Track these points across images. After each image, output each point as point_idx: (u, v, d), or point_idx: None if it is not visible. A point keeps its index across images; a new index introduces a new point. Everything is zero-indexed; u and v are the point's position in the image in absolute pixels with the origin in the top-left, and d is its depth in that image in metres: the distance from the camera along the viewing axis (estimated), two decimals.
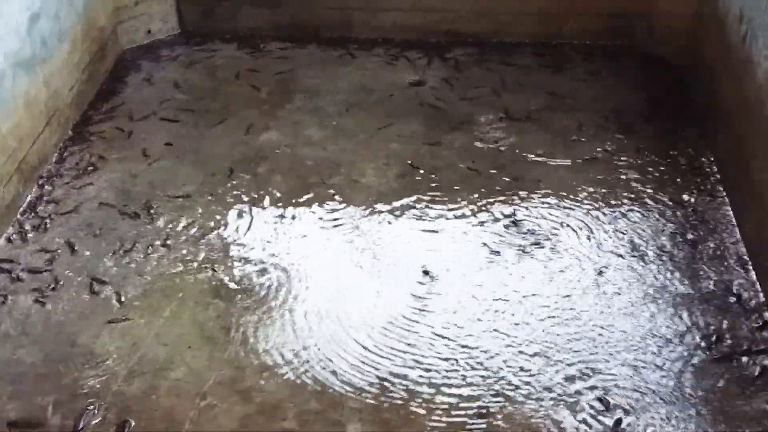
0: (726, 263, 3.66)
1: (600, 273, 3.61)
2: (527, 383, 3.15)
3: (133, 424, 3.02)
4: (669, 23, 5.01)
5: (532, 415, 3.04)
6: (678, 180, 4.13)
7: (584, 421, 3.02)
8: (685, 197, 4.02)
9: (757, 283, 3.56)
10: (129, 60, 5.24)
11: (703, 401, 3.07)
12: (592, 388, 3.13)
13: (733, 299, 3.48)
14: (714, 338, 3.31)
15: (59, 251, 3.78)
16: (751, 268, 3.63)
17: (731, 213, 3.92)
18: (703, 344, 3.28)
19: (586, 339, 3.31)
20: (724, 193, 4.04)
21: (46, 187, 4.16)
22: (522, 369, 3.20)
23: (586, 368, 3.20)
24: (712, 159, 4.27)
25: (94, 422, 3.03)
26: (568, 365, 3.21)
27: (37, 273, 3.67)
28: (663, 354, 3.25)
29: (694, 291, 3.52)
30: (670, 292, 3.51)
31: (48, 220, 3.95)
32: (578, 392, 3.11)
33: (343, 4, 5.31)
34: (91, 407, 3.08)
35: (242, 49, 5.32)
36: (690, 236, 3.80)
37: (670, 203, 3.98)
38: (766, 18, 3.65)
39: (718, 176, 4.15)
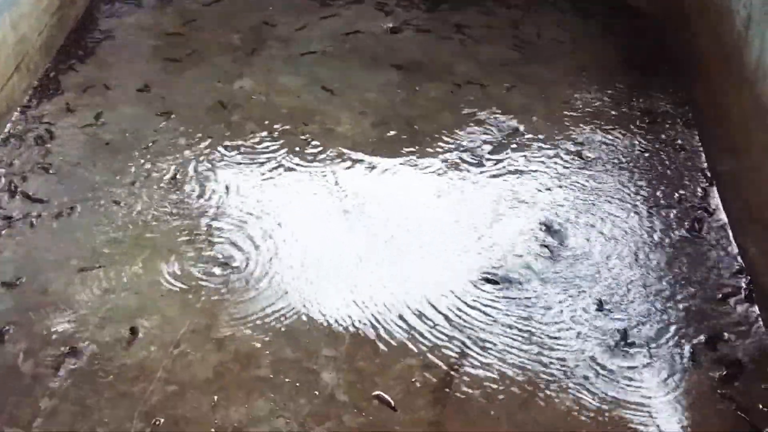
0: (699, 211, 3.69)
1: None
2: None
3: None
4: None
5: None
6: (652, 129, 4.14)
7: None
8: (658, 145, 4.03)
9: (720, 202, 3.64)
10: (100, 5, 5.13)
11: None
12: None
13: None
14: None
15: (27, 202, 3.72)
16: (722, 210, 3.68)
17: (706, 163, 3.94)
18: None
19: None
20: (700, 142, 4.05)
21: (15, 134, 4.08)
22: None
23: None
24: (687, 107, 4.27)
25: (68, 368, 3.01)
26: None
27: (7, 220, 3.62)
28: None
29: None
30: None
31: (17, 168, 3.89)
32: None
33: None
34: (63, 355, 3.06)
35: None
36: (663, 187, 3.82)
37: (645, 150, 3.99)
38: None
39: (693, 124, 4.16)
